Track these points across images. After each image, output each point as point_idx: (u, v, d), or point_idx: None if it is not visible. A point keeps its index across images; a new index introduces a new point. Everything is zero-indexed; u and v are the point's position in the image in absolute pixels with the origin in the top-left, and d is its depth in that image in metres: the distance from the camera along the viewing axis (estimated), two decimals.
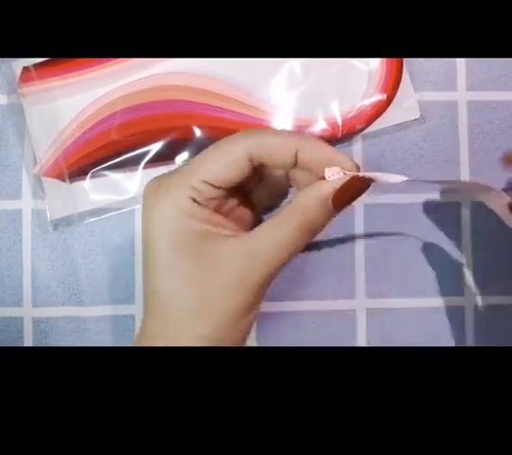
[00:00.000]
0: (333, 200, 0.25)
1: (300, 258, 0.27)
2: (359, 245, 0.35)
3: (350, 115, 0.34)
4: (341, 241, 0.35)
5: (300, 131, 0.28)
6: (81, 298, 0.34)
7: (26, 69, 0.33)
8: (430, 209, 0.35)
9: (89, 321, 0.34)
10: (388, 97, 0.34)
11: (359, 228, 0.35)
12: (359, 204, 0.35)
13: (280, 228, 0.25)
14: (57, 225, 0.34)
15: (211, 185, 0.25)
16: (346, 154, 0.26)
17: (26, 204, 0.34)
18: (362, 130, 0.34)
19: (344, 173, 0.25)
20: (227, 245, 0.25)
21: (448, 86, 0.35)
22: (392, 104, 0.34)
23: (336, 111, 0.34)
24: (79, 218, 0.34)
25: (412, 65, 0.35)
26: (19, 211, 0.34)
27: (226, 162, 0.25)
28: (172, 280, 0.25)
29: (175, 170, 0.26)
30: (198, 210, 0.25)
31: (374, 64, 0.34)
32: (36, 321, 0.34)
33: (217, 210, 0.26)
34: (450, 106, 0.35)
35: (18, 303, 0.34)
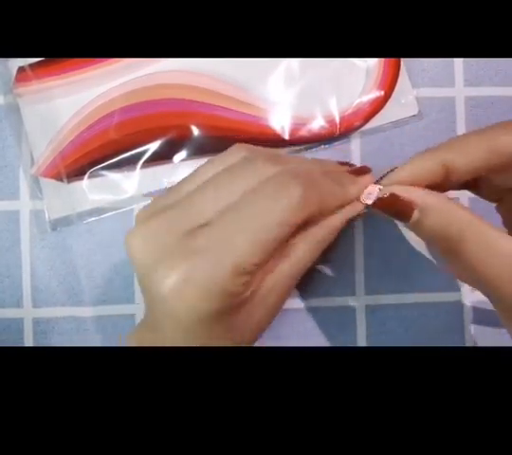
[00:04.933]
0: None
1: None
2: (359, 242, 0.35)
3: (348, 112, 0.34)
4: (341, 238, 0.35)
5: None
6: (80, 298, 0.34)
7: (21, 69, 0.33)
8: None
9: (89, 321, 0.34)
10: (386, 93, 0.34)
11: (359, 225, 0.35)
12: None
13: (311, 255, 0.26)
14: (55, 225, 0.34)
15: (246, 271, 0.23)
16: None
17: (24, 204, 0.34)
18: (360, 127, 0.34)
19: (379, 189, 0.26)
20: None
21: (445, 82, 0.35)
22: (389, 101, 0.34)
23: (334, 108, 0.34)
24: (77, 218, 0.34)
25: (410, 62, 0.35)
26: (17, 212, 0.34)
27: (262, 248, 0.22)
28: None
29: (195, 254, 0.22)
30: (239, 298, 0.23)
31: (371, 61, 0.34)
32: (36, 322, 0.34)
33: None
34: (448, 102, 0.35)
35: (18, 304, 0.34)
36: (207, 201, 0.23)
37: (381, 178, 0.26)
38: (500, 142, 0.24)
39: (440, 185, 0.25)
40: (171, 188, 0.25)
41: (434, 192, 0.24)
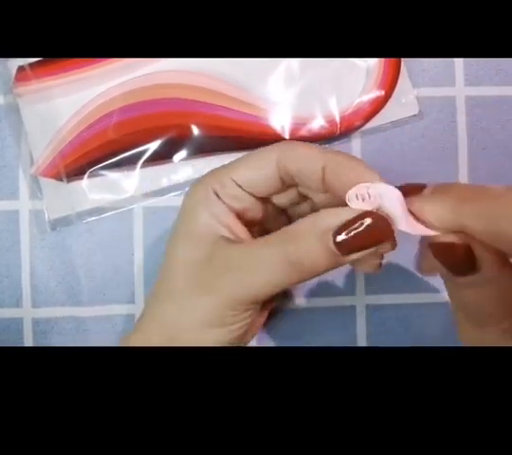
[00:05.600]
0: (337, 242, 0.21)
1: None
2: None
3: (348, 111, 0.34)
4: None
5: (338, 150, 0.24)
6: (80, 298, 0.34)
7: (21, 69, 0.33)
8: None
9: (89, 321, 0.34)
10: (386, 93, 0.34)
11: None
12: None
13: (265, 254, 0.23)
14: (55, 225, 0.34)
15: (236, 184, 0.25)
16: (378, 174, 0.21)
17: (23, 204, 0.34)
18: (361, 126, 0.34)
19: (368, 196, 0.20)
20: (224, 252, 0.24)
21: (446, 82, 0.35)
22: (390, 100, 0.34)
23: (334, 108, 0.34)
24: (77, 218, 0.34)
25: (410, 61, 0.35)
26: (17, 212, 0.34)
27: (254, 165, 0.25)
28: (181, 269, 0.25)
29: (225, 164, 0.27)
30: (215, 205, 0.25)
31: (371, 61, 0.34)
32: (36, 322, 0.34)
33: (238, 214, 0.26)
34: (449, 102, 0.35)
35: (17, 304, 0.34)
36: None
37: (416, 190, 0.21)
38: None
39: None
40: None
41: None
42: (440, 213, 0.20)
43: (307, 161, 0.23)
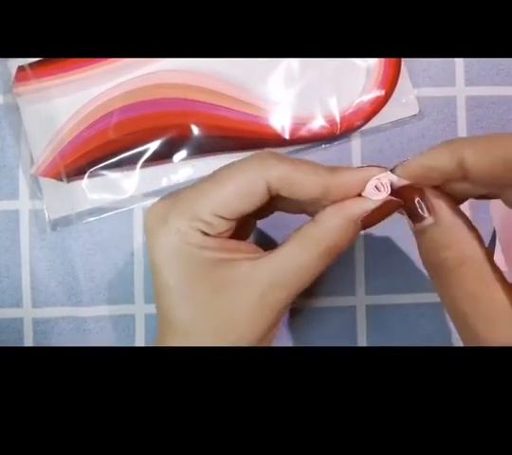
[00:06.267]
0: (363, 220, 0.24)
1: None
2: (359, 242, 0.35)
3: (348, 111, 0.34)
4: None
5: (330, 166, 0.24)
6: (80, 298, 0.34)
7: (21, 68, 0.33)
8: None
9: (89, 321, 0.34)
10: (386, 93, 0.34)
11: None
12: None
13: (303, 253, 0.23)
14: (55, 225, 0.34)
15: (223, 218, 0.23)
16: (378, 167, 0.24)
17: (23, 204, 0.34)
18: (361, 126, 0.34)
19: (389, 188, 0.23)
20: (244, 273, 0.23)
21: (446, 82, 0.35)
22: (390, 100, 0.34)
23: (334, 108, 0.34)
24: (77, 218, 0.34)
25: (411, 61, 0.35)
26: (17, 212, 0.34)
27: (240, 194, 0.23)
28: (187, 309, 0.23)
29: (176, 194, 0.24)
30: (210, 242, 0.23)
31: (372, 61, 0.34)
32: (36, 322, 0.34)
33: (231, 236, 0.24)
34: (449, 102, 0.35)
35: (17, 304, 0.34)
36: None
37: (393, 169, 0.24)
38: None
39: (455, 189, 0.23)
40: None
41: (455, 207, 0.23)
42: (439, 153, 0.22)
43: (306, 187, 0.23)
